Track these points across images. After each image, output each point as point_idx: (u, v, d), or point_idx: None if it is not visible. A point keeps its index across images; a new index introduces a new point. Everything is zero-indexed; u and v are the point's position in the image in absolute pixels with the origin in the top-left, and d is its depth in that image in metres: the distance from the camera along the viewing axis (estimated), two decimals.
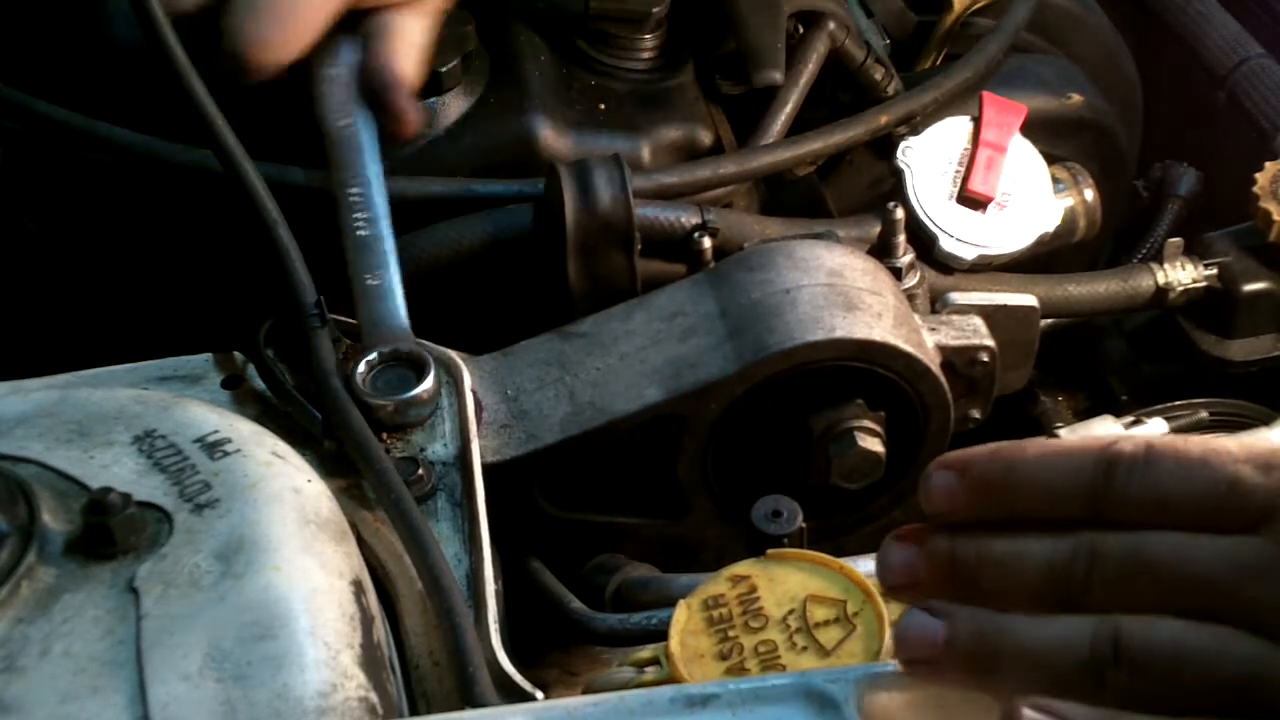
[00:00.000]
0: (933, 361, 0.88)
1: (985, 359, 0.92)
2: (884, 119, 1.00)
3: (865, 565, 0.77)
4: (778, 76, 1.01)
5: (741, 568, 0.72)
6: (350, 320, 0.86)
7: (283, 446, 0.71)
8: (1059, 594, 0.58)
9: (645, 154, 0.99)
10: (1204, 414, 1.00)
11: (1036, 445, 0.60)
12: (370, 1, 0.93)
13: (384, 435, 0.81)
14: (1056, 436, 0.94)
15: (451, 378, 0.84)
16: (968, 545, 0.60)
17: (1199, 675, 0.55)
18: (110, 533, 0.63)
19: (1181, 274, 1.03)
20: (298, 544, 0.65)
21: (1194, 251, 1.04)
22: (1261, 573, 0.56)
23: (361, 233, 0.87)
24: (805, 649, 0.69)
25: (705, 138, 1.01)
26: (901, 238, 0.96)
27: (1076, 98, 1.08)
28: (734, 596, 0.71)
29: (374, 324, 0.83)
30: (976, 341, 0.92)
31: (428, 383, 0.81)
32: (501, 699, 0.68)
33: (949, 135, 1.01)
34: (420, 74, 0.94)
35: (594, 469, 0.88)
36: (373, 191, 0.88)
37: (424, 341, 0.85)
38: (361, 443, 0.77)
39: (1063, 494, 0.59)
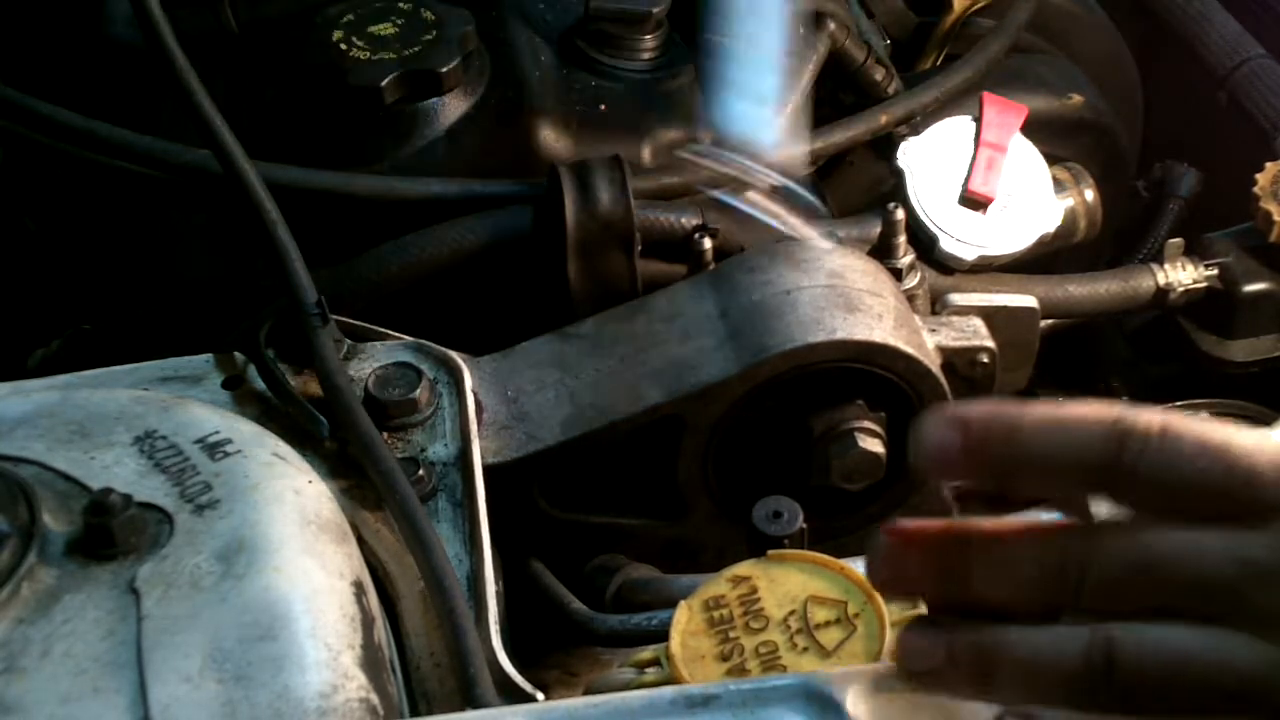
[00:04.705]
0: (933, 362, 0.88)
1: (985, 360, 0.92)
2: (884, 119, 1.00)
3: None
4: None
5: (742, 569, 0.72)
6: (351, 320, 0.86)
7: (284, 447, 0.71)
8: (1054, 595, 0.55)
9: (645, 154, 0.99)
10: (1205, 415, 1.00)
11: (1042, 410, 0.55)
12: None
13: (384, 436, 0.80)
14: None
15: (452, 378, 0.84)
16: (953, 545, 0.57)
17: (1197, 682, 0.53)
18: (111, 533, 0.63)
19: (1182, 274, 1.03)
20: (298, 545, 0.65)
21: (1194, 252, 1.04)
22: (1271, 573, 0.53)
23: None
24: (806, 650, 0.69)
25: (705, 138, 1.00)
26: (902, 238, 0.96)
27: (1077, 98, 1.08)
28: (735, 597, 0.71)
29: None
30: (977, 342, 0.92)
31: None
32: (502, 700, 0.68)
33: (949, 135, 1.01)
34: None
35: (594, 470, 0.88)
36: None
37: (425, 342, 0.85)
38: (368, 442, 0.77)
39: (1068, 467, 0.54)
